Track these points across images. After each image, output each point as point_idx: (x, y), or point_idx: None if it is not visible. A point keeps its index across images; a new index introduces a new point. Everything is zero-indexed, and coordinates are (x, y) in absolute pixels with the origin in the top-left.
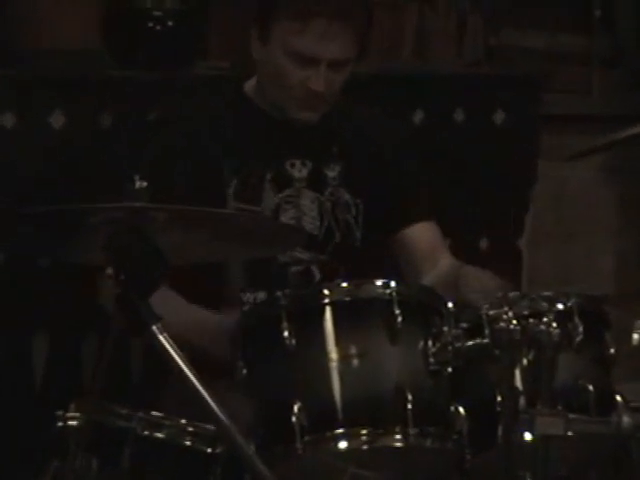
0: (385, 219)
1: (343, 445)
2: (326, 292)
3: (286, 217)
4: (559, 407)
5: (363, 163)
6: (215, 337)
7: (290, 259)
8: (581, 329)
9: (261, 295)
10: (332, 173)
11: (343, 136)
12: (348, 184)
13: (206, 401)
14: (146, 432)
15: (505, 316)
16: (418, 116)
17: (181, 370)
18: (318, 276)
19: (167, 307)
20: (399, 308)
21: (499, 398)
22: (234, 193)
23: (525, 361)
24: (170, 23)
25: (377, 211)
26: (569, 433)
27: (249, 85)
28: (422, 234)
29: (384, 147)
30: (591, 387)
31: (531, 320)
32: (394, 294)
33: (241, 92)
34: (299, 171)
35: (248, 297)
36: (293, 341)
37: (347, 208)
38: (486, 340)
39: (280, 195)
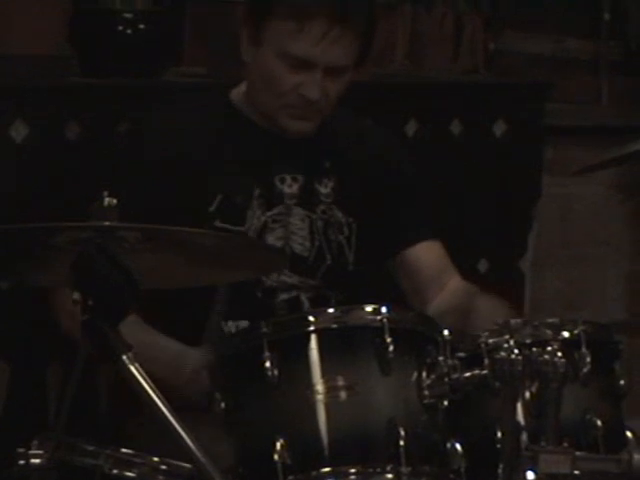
0: (381, 241)
1: None
2: (311, 319)
3: (273, 237)
4: (565, 444)
5: (357, 179)
6: (192, 374)
7: (277, 284)
8: (589, 359)
9: (244, 325)
10: (325, 189)
11: (336, 149)
12: (341, 202)
13: (181, 437)
14: (115, 470)
15: (506, 345)
16: (412, 128)
17: (153, 403)
18: (307, 306)
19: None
20: (391, 336)
21: (499, 434)
22: (217, 211)
23: (528, 394)
24: (142, 26)
25: (371, 232)
26: (576, 472)
27: (236, 93)
28: (426, 255)
29: (378, 162)
30: (600, 422)
31: (534, 349)
32: (385, 321)
33: (227, 101)
34: (289, 187)
35: (230, 327)
36: (275, 372)
37: (339, 228)
38: (485, 371)
39: (268, 213)
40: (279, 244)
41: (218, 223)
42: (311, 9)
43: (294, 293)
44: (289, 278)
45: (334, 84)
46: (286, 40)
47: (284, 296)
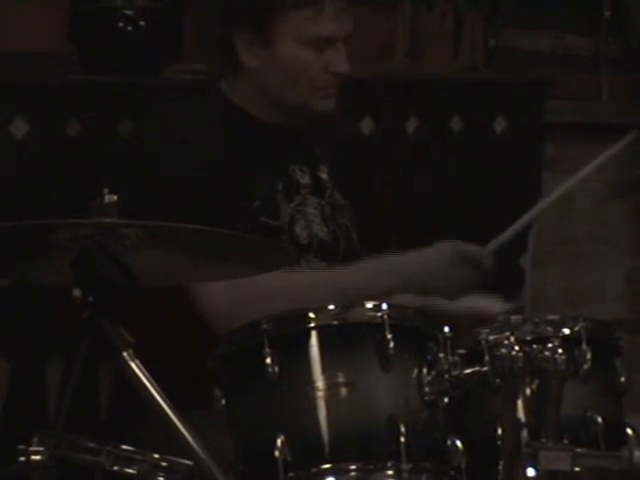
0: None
1: None
2: (312, 315)
3: (299, 228)
4: (565, 441)
5: (344, 161)
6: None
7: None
8: (589, 356)
9: None
10: (324, 175)
11: (321, 134)
12: (337, 185)
13: (181, 433)
14: (116, 467)
15: (506, 342)
16: (412, 125)
17: (154, 399)
18: None
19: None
20: (391, 333)
21: (500, 431)
22: (261, 207)
23: (528, 391)
24: (142, 23)
25: (363, 214)
26: (576, 469)
27: (227, 88)
28: None
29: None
30: (600, 419)
31: (535, 346)
32: (386, 317)
33: (222, 96)
34: (302, 177)
35: None
36: (276, 369)
37: (341, 211)
38: (485, 368)
39: (291, 205)
40: (305, 234)
41: (264, 219)
42: None
43: None
44: (316, 264)
45: (346, 50)
46: (306, 26)
47: None
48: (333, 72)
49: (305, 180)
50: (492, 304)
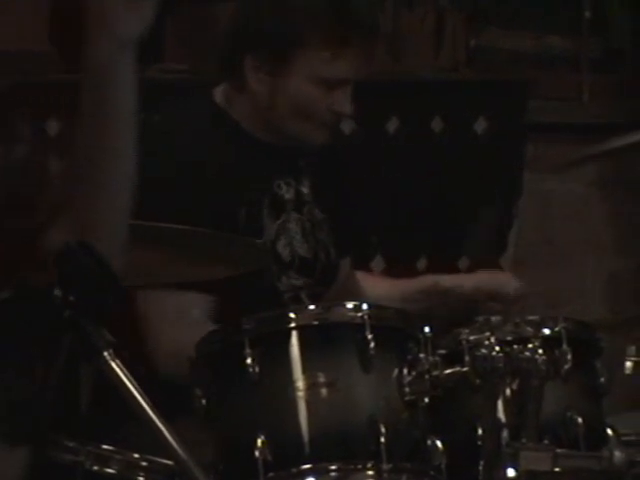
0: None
1: None
2: (292, 315)
3: (281, 245)
4: (545, 441)
5: (326, 175)
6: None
7: (286, 287)
8: (569, 356)
9: None
10: (305, 189)
11: (306, 149)
12: (317, 200)
13: (161, 433)
14: (95, 467)
15: (487, 342)
16: (393, 125)
17: (134, 399)
18: (307, 302)
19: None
20: (372, 333)
21: (480, 431)
22: (245, 228)
23: (508, 391)
24: None
25: (345, 228)
26: (557, 469)
27: (220, 96)
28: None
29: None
30: (580, 419)
31: (515, 346)
32: (366, 317)
33: (212, 103)
34: (287, 192)
35: None
36: (256, 369)
37: (320, 226)
38: (466, 368)
39: (277, 222)
40: (286, 251)
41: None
42: (346, 36)
43: (295, 292)
44: (296, 280)
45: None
46: (322, 67)
47: (288, 295)
48: (335, 111)
49: (290, 195)
50: (507, 282)
